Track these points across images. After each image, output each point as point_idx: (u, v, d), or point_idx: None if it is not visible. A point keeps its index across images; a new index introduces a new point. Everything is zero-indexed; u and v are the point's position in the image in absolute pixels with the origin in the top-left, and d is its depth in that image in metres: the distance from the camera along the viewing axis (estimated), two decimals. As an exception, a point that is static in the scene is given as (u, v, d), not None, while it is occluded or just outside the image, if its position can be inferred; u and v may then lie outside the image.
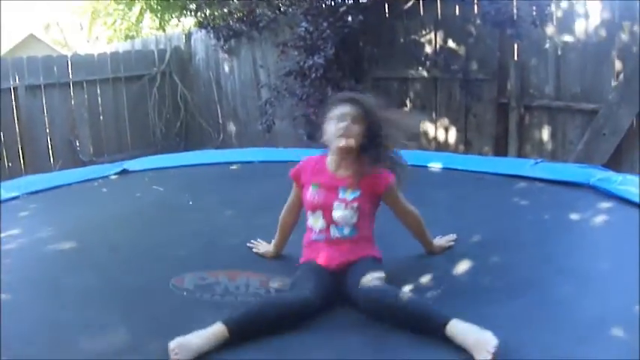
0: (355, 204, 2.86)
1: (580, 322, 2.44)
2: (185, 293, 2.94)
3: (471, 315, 2.32)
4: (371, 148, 2.91)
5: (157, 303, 2.88)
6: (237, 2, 8.47)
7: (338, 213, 2.87)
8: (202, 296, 2.90)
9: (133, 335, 2.55)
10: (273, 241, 3.31)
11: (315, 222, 2.95)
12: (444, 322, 2.30)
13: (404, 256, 3.19)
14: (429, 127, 7.17)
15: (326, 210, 2.90)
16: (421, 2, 7.05)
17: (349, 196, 2.88)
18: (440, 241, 3.27)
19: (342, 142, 2.85)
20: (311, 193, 2.97)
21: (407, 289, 2.73)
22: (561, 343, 2.27)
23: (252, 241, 3.40)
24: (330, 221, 2.89)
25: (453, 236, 3.32)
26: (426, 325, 2.35)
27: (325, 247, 2.89)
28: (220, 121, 10.05)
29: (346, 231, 2.87)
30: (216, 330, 2.37)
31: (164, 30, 12.89)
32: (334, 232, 2.88)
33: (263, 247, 3.36)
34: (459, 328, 2.26)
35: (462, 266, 3.04)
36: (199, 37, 10.01)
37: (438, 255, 3.18)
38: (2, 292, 2.94)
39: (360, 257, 2.80)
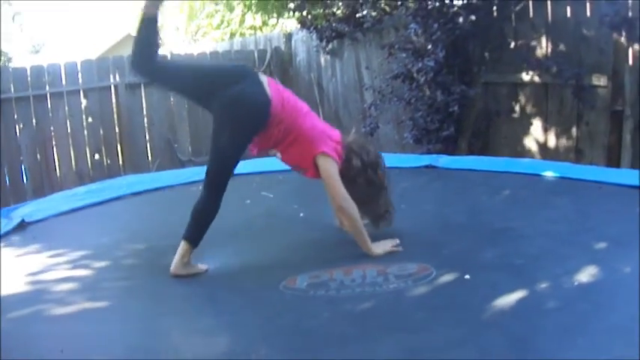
0: None
1: None
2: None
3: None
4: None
5: (266, 305, 2.83)
6: (340, 3, 8.37)
7: None
8: (316, 294, 2.83)
9: (240, 338, 2.53)
10: None
11: None
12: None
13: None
14: (538, 135, 6.93)
15: None
16: (531, 3, 6.81)
17: None
18: (381, 244, 3.31)
19: None
20: None
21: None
22: None
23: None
24: None
25: (396, 241, 3.34)
26: None
27: None
28: (321, 123, 9.91)
29: None
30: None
31: (261, 30, 12.98)
32: None
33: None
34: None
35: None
36: (300, 37, 10.00)
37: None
38: (106, 299, 2.98)
39: None
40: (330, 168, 3.32)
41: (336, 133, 3.52)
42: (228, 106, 3.28)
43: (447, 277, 2.90)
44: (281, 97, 3.33)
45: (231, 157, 3.33)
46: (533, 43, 6.80)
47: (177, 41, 19.30)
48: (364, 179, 3.44)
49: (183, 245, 3.21)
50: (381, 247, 3.27)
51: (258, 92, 3.28)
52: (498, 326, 2.39)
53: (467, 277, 2.88)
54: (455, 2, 6.88)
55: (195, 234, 3.25)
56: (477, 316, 2.49)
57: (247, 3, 12.35)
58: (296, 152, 3.41)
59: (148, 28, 3.33)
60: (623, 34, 5.81)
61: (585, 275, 2.79)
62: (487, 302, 2.58)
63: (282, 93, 3.38)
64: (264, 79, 3.37)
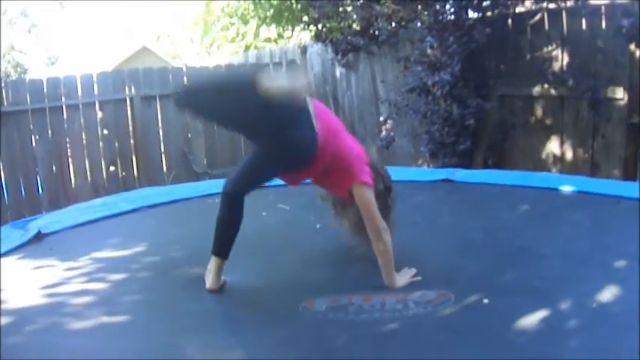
0: None
1: None
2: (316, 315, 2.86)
3: None
4: None
5: (285, 326, 2.81)
6: (355, 16, 8.37)
7: None
8: (335, 316, 2.82)
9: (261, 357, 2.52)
10: None
11: None
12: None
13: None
14: (555, 148, 6.89)
15: None
16: (546, 16, 6.78)
17: None
18: (400, 275, 3.23)
19: None
20: None
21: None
22: None
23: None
24: None
25: (413, 271, 3.26)
26: None
27: None
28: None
29: None
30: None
31: (276, 42, 13.00)
32: None
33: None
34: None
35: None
36: (315, 50, 10.00)
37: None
38: (124, 313, 2.97)
39: None
40: (369, 196, 3.27)
41: (362, 152, 3.46)
42: (278, 147, 3.23)
43: (466, 302, 2.89)
44: (324, 127, 3.22)
45: (262, 181, 3.42)
46: (549, 55, 6.76)
47: (192, 54, 19.44)
48: (382, 201, 3.40)
49: (214, 261, 3.21)
50: (402, 280, 3.20)
51: (310, 138, 3.16)
52: (517, 352, 2.38)
53: (485, 301, 2.87)
54: (470, 15, 6.87)
55: (222, 247, 3.23)
56: (496, 342, 2.48)
57: (262, 16, 12.37)
58: (334, 179, 3.37)
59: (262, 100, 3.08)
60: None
61: (606, 295, 2.78)
62: (506, 327, 2.57)
63: (325, 122, 3.26)
64: (312, 108, 3.23)
